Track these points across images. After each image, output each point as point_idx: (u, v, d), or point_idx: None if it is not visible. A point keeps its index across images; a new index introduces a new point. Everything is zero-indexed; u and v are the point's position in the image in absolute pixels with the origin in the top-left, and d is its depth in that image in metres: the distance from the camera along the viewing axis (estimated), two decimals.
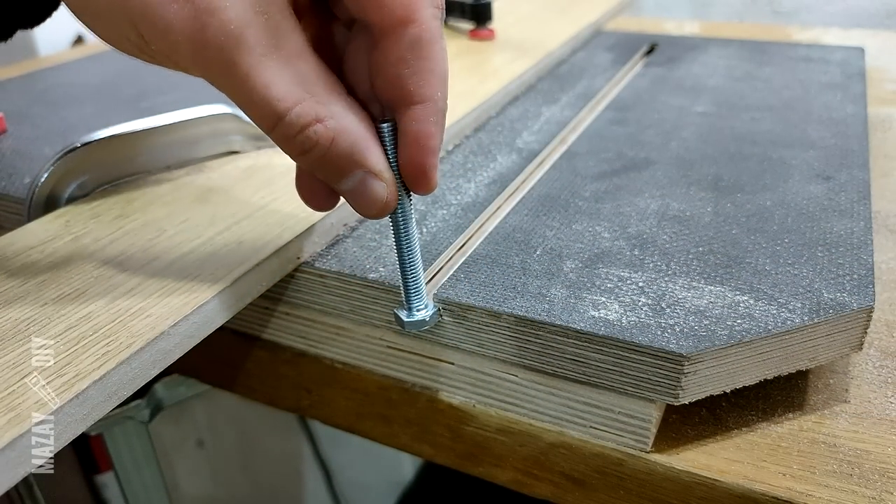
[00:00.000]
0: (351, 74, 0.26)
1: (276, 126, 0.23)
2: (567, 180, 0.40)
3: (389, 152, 0.25)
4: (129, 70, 0.63)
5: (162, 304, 0.27)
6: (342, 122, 0.24)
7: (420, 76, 0.24)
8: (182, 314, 0.27)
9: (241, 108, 0.24)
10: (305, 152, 0.24)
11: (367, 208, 0.25)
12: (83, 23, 0.24)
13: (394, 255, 0.32)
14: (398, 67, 0.24)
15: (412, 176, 0.26)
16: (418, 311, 0.29)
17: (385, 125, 0.25)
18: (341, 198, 0.27)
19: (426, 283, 0.29)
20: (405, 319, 0.29)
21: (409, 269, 0.28)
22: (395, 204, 0.26)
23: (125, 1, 0.22)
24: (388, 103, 0.25)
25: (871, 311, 0.29)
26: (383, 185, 0.25)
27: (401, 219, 0.27)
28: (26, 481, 0.54)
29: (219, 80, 0.23)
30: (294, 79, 0.23)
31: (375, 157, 0.25)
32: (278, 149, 0.44)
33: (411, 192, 0.26)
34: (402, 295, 0.29)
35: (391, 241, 0.34)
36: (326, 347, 0.34)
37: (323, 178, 0.26)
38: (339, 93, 0.24)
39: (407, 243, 0.27)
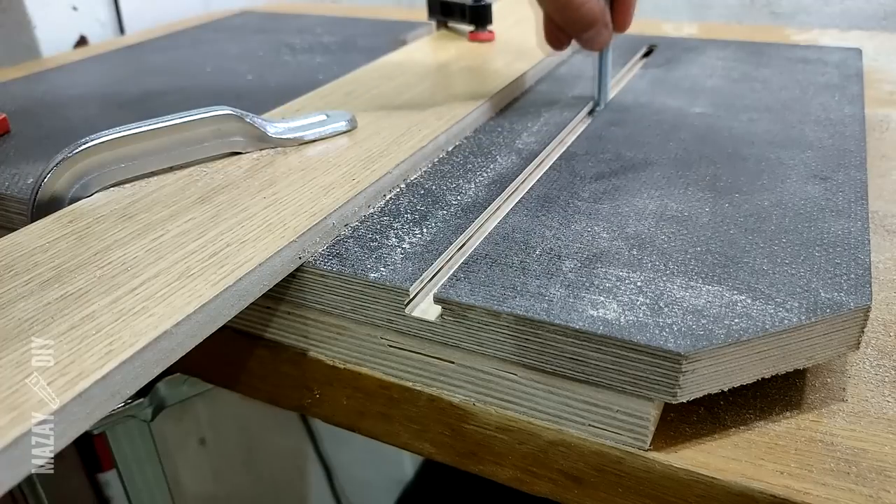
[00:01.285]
0: None
1: (567, 5, 0.41)
2: (566, 181, 0.40)
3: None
4: (132, 71, 0.64)
5: (165, 304, 0.27)
6: None
7: None
8: (185, 313, 0.27)
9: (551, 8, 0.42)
10: (573, 11, 0.42)
11: (597, 47, 0.45)
12: None
13: (395, 255, 0.33)
14: None
15: (619, 25, 0.45)
16: (604, 102, 0.51)
17: None
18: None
19: (427, 282, 0.30)
20: (601, 108, 0.51)
21: (603, 77, 0.50)
22: (610, 41, 0.45)
23: None
24: None
25: (868, 311, 0.29)
26: (609, 32, 0.44)
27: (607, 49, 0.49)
28: (29, 480, 0.54)
29: None
30: None
31: (608, 16, 0.43)
32: (280, 149, 0.45)
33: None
34: (597, 94, 0.51)
35: (392, 241, 0.34)
36: (328, 347, 0.35)
37: (572, 31, 0.43)
38: None
39: (605, 59, 0.49)
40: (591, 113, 0.50)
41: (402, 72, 0.57)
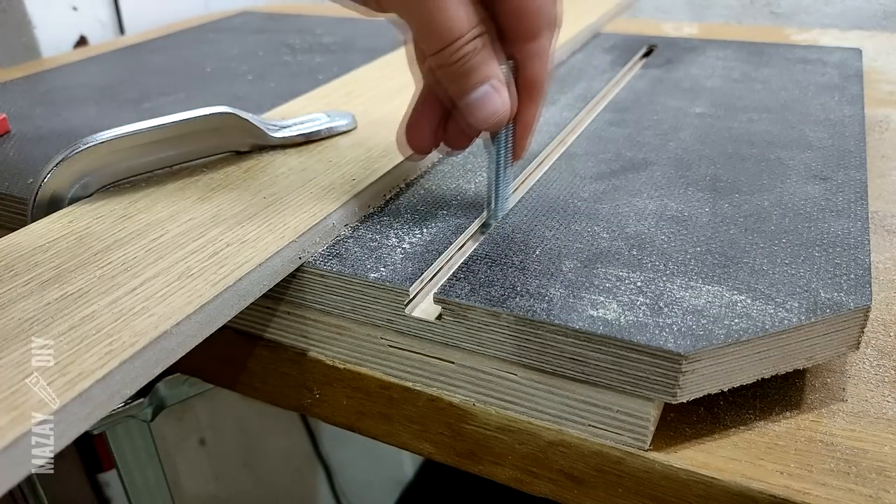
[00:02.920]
0: None
1: (446, 48, 0.29)
2: (566, 181, 0.40)
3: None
4: (132, 71, 0.64)
5: (165, 304, 0.27)
6: (487, 41, 0.30)
7: (537, 75, 0.32)
8: (185, 313, 0.27)
9: (420, 34, 0.30)
10: (454, 63, 0.30)
11: (489, 116, 0.31)
12: None
13: (395, 256, 0.33)
14: (522, 65, 0.32)
15: (519, 118, 0.33)
16: (500, 212, 0.36)
17: (505, 66, 0.31)
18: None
19: (427, 282, 0.31)
20: (491, 222, 0.36)
21: (500, 182, 0.35)
22: (507, 120, 0.32)
23: None
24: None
25: (868, 311, 0.29)
26: (506, 95, 0.31)
27: (503, 138, 0.34)
28: (29, 480, 0.54)
29: (412, 15, 0.29)
30: (468, 12, 0.29)
31: (502, 72, 0.31)
32: (280, 149, 0.44)
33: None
34: (492, 201, 0.36)
35: (392, 241, 0.34)
36: (328, 347, 0.35)
37: (457, 89, 0.31)
38: (483, 18, 0.30)
39: (502, 152, 0.34)
40: (483, 228, 0.36)
41: (403, 72, 0.57)
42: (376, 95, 0.51)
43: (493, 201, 0.35)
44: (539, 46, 0.31)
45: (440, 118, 0.34)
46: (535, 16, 0.30)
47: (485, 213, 0.36)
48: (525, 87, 0.32)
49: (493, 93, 0.31)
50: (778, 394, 0.31)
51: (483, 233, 0.35)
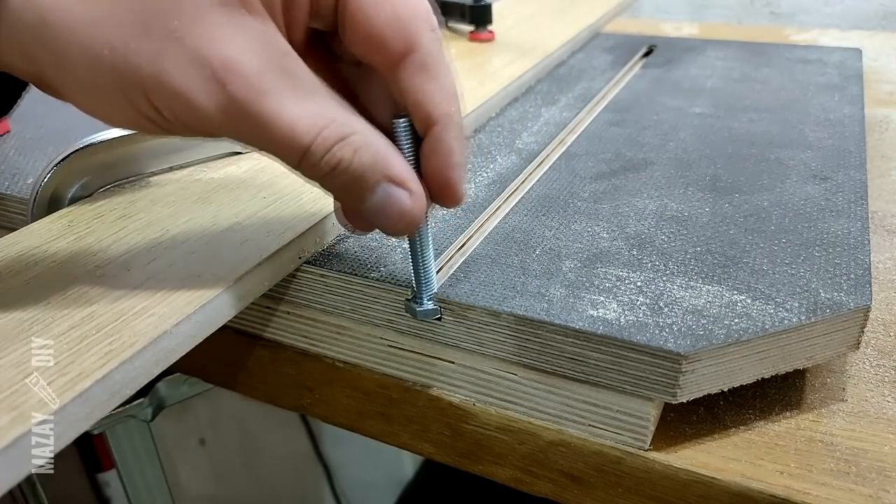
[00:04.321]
0: (368, 110, 0.27)
1: (304, 157, 0.24)
2: (566, 181, 0.40)
3: (407, 151, 0.26)
4: None
5: (165, 304, 0.27)
6: (365, 136, 0.24)
7: (432, 97, 0.25)
8: (185, 313, 0.27)
9: (268, 150, 0.24)
10: (331, 172, 0.24)
11: (396, 222, 0.26)
12: (71, 101, 0.24)
13: (395, 255, 0.33)
14: (411, 95, 0.25)
15: (439, 189, 0.27)
16: (429, 300, 0.30)
17: (401, 120, 0.26)
18: None
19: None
20: (418, 309, 0.30)
21: (422, 266, 0.29)
22: (422, 216, 0.26)
23: (135, 74, 0.22)
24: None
25: (868, 311, 0.29)
26: (407, 194, 0.25)
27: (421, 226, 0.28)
28: (29, 479, 0.54)
29: (243, 132, 0.23)
30: (315, 110, 0.23)
31: (399, 165, 0.25)
32: None
33: (438, 205, 0.27)
34: (415, 287, 0.30)
35: (392, 241, 0.34)
36: (327, 346, 0.35)
37: (350, 200, 0.26)
38: (356, 114, 0.25)
39: (422, 249, 0.29)
40: (408, 311, 0.31)
41: None
42: None
43: (414, 282, 0.30)
44: (448, 125, 0.25)
45: None
46: (437, 95, 0.25)
47: (410, 293, 0.31)
48: (435, 160, 0.26)
49: (394, 192, 0.25)
50: (778, 394, 0.31)
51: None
